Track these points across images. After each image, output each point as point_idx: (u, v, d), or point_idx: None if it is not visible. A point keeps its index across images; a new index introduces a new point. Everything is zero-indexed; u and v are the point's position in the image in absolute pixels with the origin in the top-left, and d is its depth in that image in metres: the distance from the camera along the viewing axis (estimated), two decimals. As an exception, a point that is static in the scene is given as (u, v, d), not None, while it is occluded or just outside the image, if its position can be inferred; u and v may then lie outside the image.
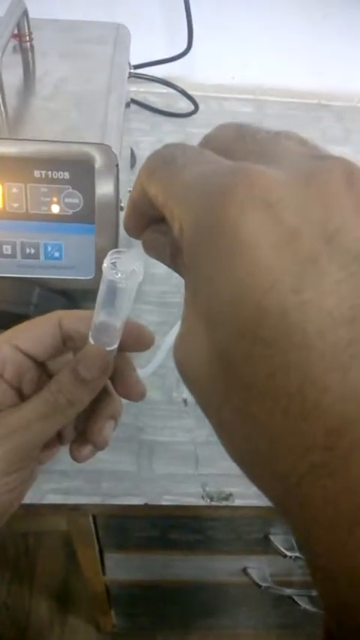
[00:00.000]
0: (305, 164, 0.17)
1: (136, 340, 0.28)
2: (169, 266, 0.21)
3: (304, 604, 0.74)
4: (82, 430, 0.30)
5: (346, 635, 0.14)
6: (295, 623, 0.94)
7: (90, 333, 0.26)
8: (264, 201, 0.15)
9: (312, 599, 0.75)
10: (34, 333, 0.28)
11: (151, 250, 0.21)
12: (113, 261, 0.23)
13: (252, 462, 0.16)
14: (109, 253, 0.22)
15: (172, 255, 0.20)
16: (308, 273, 0.14)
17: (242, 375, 0.15)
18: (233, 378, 0.16)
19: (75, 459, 0.31)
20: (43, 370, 0.30)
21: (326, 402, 0.14)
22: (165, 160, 0.18)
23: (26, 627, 1.15)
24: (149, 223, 0.21)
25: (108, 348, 0.26)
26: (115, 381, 0.29)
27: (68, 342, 0.29)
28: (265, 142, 0.18)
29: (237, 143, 0.18)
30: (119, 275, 0.23)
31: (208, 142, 0.19)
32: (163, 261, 0.21)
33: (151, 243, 0.21)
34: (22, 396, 0.29)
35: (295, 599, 0.74)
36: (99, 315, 0.25)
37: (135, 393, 0.30)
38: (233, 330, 0.15)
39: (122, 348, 0.27)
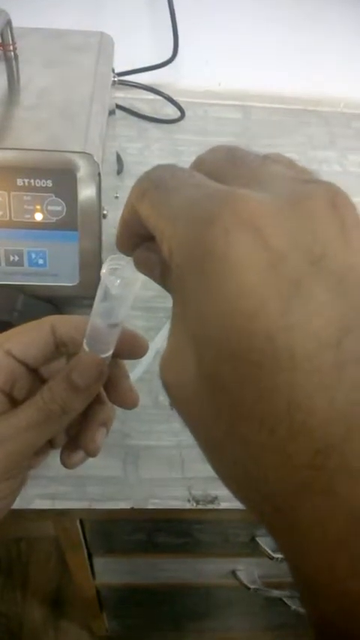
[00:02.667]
0: (291, 188, 0.17)
1: (130, 348, 0.28)
2: (159, 284, 0.21)
3: (294, 605, 0.74)
4: (74, 436, 0.30)
5: None
6: (286, 624, 0.94)
7: (85, 340, 0.26)
8: (250, 225, 0.15)
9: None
10: (27, 339, 0.28)
11: (142, 268, 0.22)
12: (112, 267, 0.22)
13: (240, 483, 0.17)
14: (108, 260, 0.22)
15: (162, 273, 0.20)
16: (294, 296, 0.15)
17: (231, 397, 0.15)
18: (222, 399, 0.16)
19: (65, 465, 0.30)
20: (35, 376, 0.29)
21: (313, 423, 0.14)
22: (155, 183, 0.19)
23: (20, 633, 1.15)
24: (140, 242, 0.21)
25: (103, 355, 0.26)
26: (108, 388, 0.29)
27: (62, 348, 0.29)
28: (254, 165, 0.18)
29: (227, 166, 0.19)
30: (117, 282, 0.23)
31: (199, 164, 0.20)
32: (153, 279, 0.22)
33: (142, 261, 0.21)
34: (13, 402, 0.28)
35: (285, 601, 0.74)
36: (95, 321, 0.25)
37: (128, 401, 0.29)
38: (222, 352, 0.15)
39: (116, 356, 0.27)
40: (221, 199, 0.16)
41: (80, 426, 0.29)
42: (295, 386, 0.14)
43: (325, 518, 0.14)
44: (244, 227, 0.15)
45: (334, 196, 0.16)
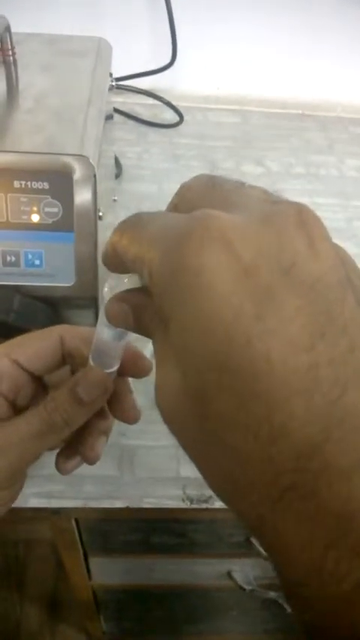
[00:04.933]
0: (261, 208, 0.18)
1: (134, 366, 0.28)
2: (135, 330, 0.22)
3: (289, 607, 0.74)
4: (70, 442, 0.30)
5: None
6: (283, 627, 0.94)
7: (90, 354, 0.26)
8: (222, 240, 0.16)
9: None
10: (35, 349, 0.28)
11: (115, 319, 0.22)
12: (113, 284, 0.23)
13: (229, 492, 0.17)
14: (110, 277, 0.23)
15: (136, 318, 0.21)
16: (268, 302, 0.15)
17: (214, 408, 0.16)
18: (206, 410, 0.16)
19: (60, 471, 0.30)
20: (38, 383, 0.30)
21: (292, 426, 0.14)
22: (132, 221, 0.20)
23: (17, 636, 1.15)
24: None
25: (108, 370, 0.26)
26: (111, 402, 0.29)
27: (68, 360, 0.29)
28: (231, 191, 0.20)
29: (206, 190, 0.20)
30: None
31: (182, 191, 0.21)
32: (127, 328, 0.22)
33: (114, 313, 0.22)
34: (15, 408, 0.28)
35: (281, 603, 0.74)
36: (100, 337, 0.25)
37: (130, 417, 0.30)
38: (202, 363, 0.16)
39: (120, 373, 0.27)
40: (194, 218, 0.17)
41: (78, 433, 0.29)
42: (272, 390, 0.15)
43: (310, 521, 0.14)
44: (216, 241, 0.16)
45: (301, 212, 0.17)
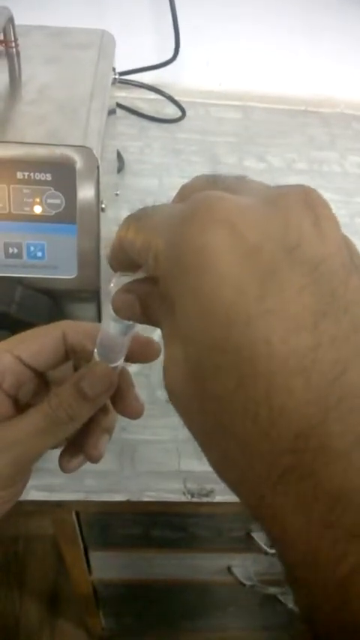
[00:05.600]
0: (267, 192, 0.18)
1: (143, 351, 0.28)
2: (141, 321, 0.22)
3: (290, 604, 0.75)
4: (73, 440, 0.30)
5: None
6: (283, 623, 0.94)
7: (96, 349, 0.26)
8: (225, 221, 0.16)
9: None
10: (38, 345, 0.28)
11: (121, 310, 0.22)
12: (119, 280, 0.23)
13: (231, 474, 0.17)
14: (115, 275, 0.23)
15: (143, 307, 0.21)
16: (271, 282, 0.15)
17: (214, 387, 0.16)
18: (206, 390, 0.16)
19: (63, 469, 0.30)
20: (41, 379, 0.29)
21: (291, 406, 0.14)
22: (137, 214, 0.20)
23: (16, 631, 1.15)
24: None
25: (112, 365, 0.26)
26: (114, 397, 0.29)
27: (71, 355, 0.29)
28: (233, 183, 0.20)
29: (208, 185, 0.20)
30: None
31: (183, 189, 0.21)
32: (134, 318, 0.23)
33: (121, 304, 0.22)
34: (17, 405, 0.28)
35: (281, 599, 0.74)
36: (106, 332, 0.25)
37: (133, 411, 0.29)
38: (203, 343, 0.16)
39: (129, 359, 0.27)
40: (197, 200, 0.17)
41: (82, 431, 0.29)
42: (272, 370, 0.15)
43: (308, 502, 0.14)
44: (220, 222, 0.16)
45: (308, 193, 0.17)
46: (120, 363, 0.27)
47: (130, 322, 0.24)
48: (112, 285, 0.23)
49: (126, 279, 0.22)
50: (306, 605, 0.15)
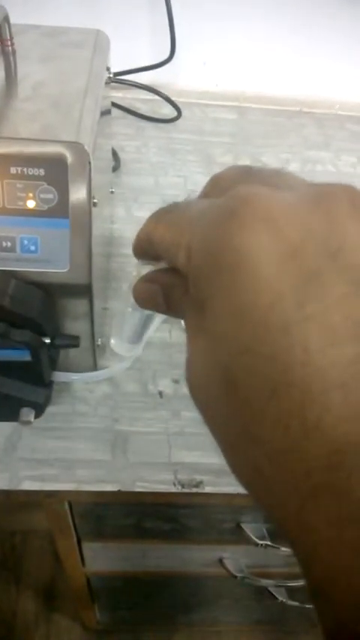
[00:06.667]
0: (309, 188, 0.17)
1: None
2: (163, 311, 0.22)
3: (281, 597, 0.75)
4: None
5: None
6: (275, 618, 0.95)
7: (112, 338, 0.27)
8: (265, 218, 0.15)
9: (289, 591, 0.76)
10: None
11: (143, 300, 0.22)
12: (141, 269, 0.23)
13: (256, 485, 0.16)
14: (136, 265, 0.23)
15: (166, 297, 0.21)
16: (312, 287, 0.14)
17: (244, 393, 0.15)
18: (236, 396, 0.15)
19: None
20: None
21: (327, 421, 0.13)
22: (167, 208, 0.20)
23: (13, 625, 1.16)
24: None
25: (129, 353, 0.27)
26: None
27: None
28: (270, 175, 0.19)
29: (243, 176, 0.19)
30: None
31: (217, 180, 0.20)
32: (155, 308, 0.22)
33: (143, 294, 0.22)
34: None
35: (273, 592, 0.75)
36: (126, 320, 0.26)
37: None
38: (236, 346, 0.15)
39: None
40: (237, 196, 0.16)
41: None
42: (308, 381, 0.14)
43: (341, 520, 0.13)
44: (260, 220, 0.15)
45: (354, 194, 0.16)
46: (136, 352, 0.27)
47: (150, 312, 0.24)
48: (134, 273, 0.23)
49: (148, 268, 0.22)
50: (332, 621, 0.14)
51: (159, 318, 0.26)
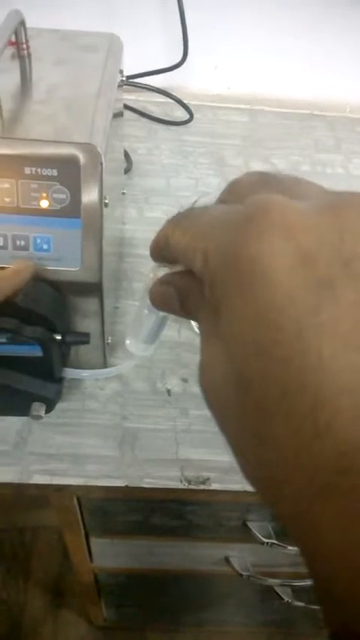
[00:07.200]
0: (325, 197, 0.18)
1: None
2: (178, 313, 0.22)
3: (286, 597, 0.76)
4: None
5: None
6: (281, 619, 0.95)
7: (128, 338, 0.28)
8: (282, 226, 0.16)
9: (295, 591, 0.76)
10: None
11: (159, 302, 0.23)
12: (155, 271, 0.24)
13: (265, 484, 0.17)
14: (151, 268, 0.24)
15: (182, 300, 0.22)
16: (325, 294, 0.15)
17: (257, 395, 0.16)
18: (248, 398, 0.16)
19: None
20: None
21: (338, 424, 0.14)
22: (185, 213, 0.20)
23: (20, 620, 1.17)
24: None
25: (143, 353, 0.29)
26: None
27: None
28: (289, 183, 0.20)
29: (261, 184, 0.20)
30: None
31: (236, 185, 0.21)
32: (171, 311, 0.23)
33: (159, 296, 0.23)
34: None
35: (279, 592, 0.76)
36: (141, 320, 0.27)
37: None
38: (250, 349, 0.16)
39: None
40: (256, 204, 0.17)
41: None
42: (320, 385, 0.14)
43: (348, 521, 0.14)
44: (277, 227, 0.16)
45: None
46: (150, 352, 0.28)
47: (165, 314, 0.25)
48: (150, 275, 0.24)
49: (164, 270, 0.23)
50: (338, 620, 0.14)
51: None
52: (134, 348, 0.28)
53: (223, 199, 0.21)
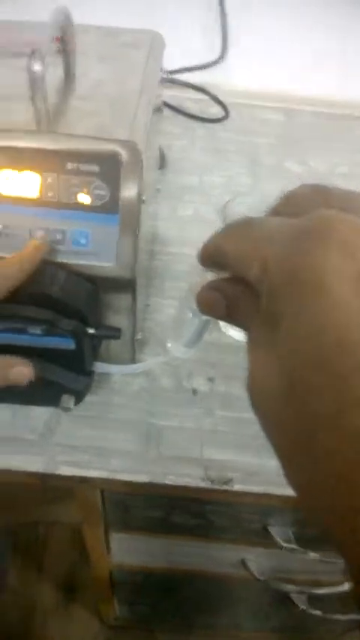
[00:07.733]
0: None
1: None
2: (224, 319, 0.23)
3: (302, 604, 0.75)
4: None
5: None
6: (295, 626, 0.94)
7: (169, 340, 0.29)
8: (343, 242, 0.16)
9: (311, 599, 0.76)
10: None
11: (206, 307, 0.23)
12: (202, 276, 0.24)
13: (317, 500, 0.17)
14: (200, 269, 0.24)
15: (229, 307, 0.22)
16: None
17: (313, 408, 0.16)
18: (303, 409, 0.16)
19: None
20: None
21: None
22: (241, 223, 0.21)
23: (33, 613, 1.18)
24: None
25: (184, 356, 0.29)
26: None
27: None
28: (346, 200, 0.20)
29: (317, 196, 0.20)
30: None
31: (292, 198, 0.21)
32: (217, 316, 0.23)
33: (206, 301, 0.23)
34: None
35: (294, 600, 0.75)
36: (185, 322, 0.27)
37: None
38: (309, 362, 0.16)
39: None
40: (317, 218, 0.18)
41: None
42: None
43: None
44: (338, 242, 0.16)
45: None
46: (189, 354, 0.29)
47: (208, 317, 0.25)
48: (197, 279, 0.24)
49: (210, 275, 0.23)
50: None
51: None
52: (176, 351, 0.29)
53: (278, 211, 0.21)
